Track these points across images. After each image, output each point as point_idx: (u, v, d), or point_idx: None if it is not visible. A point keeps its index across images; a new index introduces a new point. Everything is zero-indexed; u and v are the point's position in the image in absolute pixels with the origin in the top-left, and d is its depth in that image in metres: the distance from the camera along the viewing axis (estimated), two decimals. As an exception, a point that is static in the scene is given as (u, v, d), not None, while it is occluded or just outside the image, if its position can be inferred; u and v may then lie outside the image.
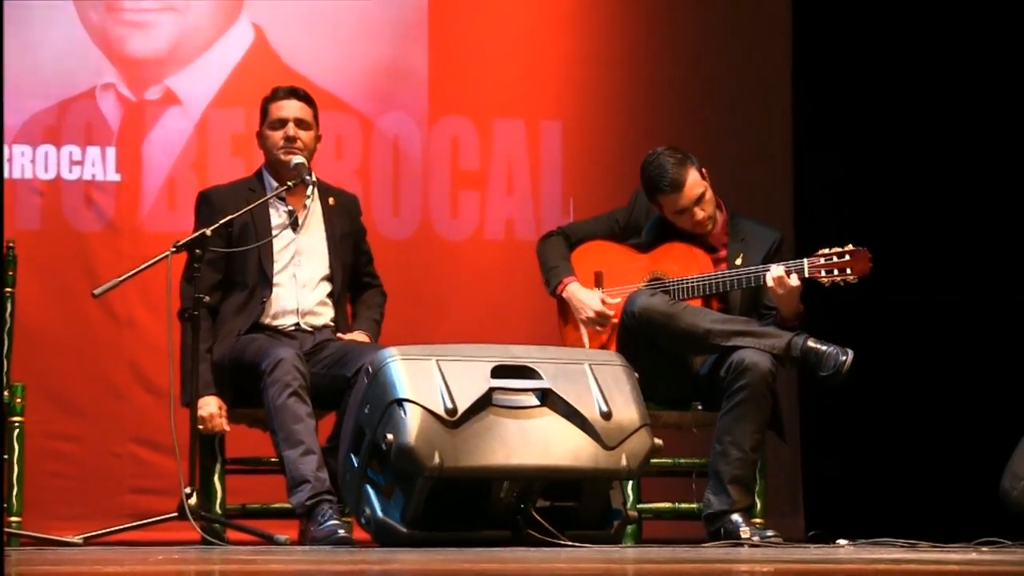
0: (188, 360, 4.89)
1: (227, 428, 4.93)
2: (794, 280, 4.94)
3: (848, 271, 4.96)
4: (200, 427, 4.87)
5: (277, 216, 5.08)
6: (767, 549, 4.59)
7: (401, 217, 6.50)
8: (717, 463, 4.88)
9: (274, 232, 5.03)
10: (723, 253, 5.20)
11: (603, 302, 5.18)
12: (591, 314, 5.18)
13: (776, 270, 4.96)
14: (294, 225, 5.09)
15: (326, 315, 5.10)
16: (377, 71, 6.52)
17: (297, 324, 5.05)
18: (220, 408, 4.92)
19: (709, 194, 5.15)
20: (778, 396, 5.00)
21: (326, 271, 5.11)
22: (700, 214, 5.12)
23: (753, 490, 4.96)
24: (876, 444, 6.55)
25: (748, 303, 5.11)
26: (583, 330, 5.21)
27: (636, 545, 5.03)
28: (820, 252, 5.00)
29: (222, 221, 4.90)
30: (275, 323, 5.04)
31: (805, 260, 5.00)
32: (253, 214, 5.01)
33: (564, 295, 5.24)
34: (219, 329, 4.99)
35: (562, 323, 5.30)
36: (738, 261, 5.14)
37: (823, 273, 4.98)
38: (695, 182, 5.11)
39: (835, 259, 4.97)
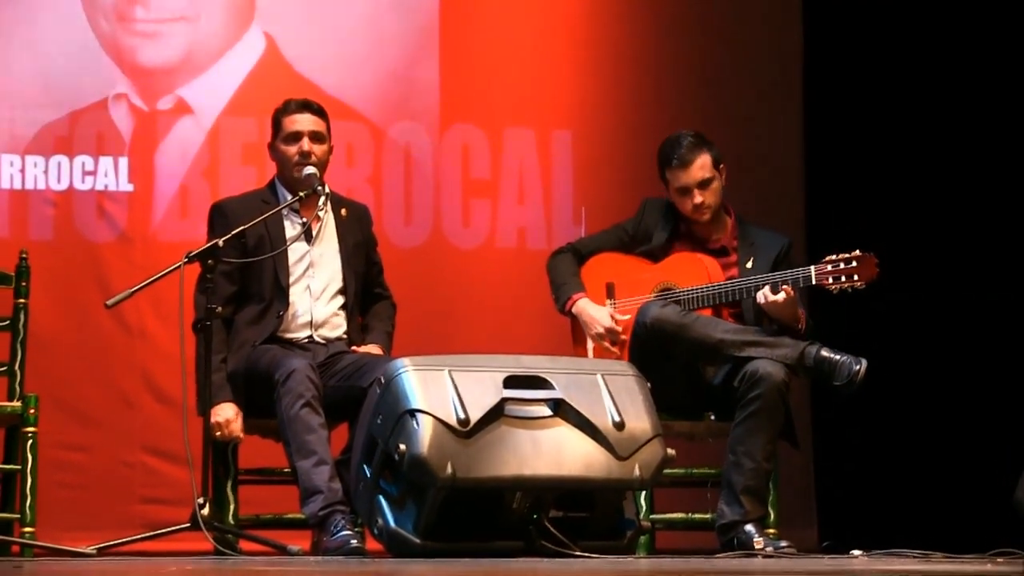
0: (202, 371, 4.88)
1: (242, 436, 4.92)
2: (780, 295, 4.90)
3: (855, 277, 4.92)
4: (216, 434, 4.87)
5: (291, 228, 5.07)
6: (781, 559, 4.58)
7: (412, 225, 6.50)
8: (730, 473, 4.86)
9: (288, 244, 5.02)
10: (733, 258, 5.18)
11: (612, 318, 5.17)
12: (601, 330, 5.16)
13: (759, 294, 4.94)
14: (308, 236, 5.08)
15: (339, 328, 5.08)
16: (388, 80, 6.53)
17: (310, 336, 5.04)
18: (236, 414, 4.91)
19: (716, 185, 5.14)
20: (790, 405, 4.98)
21: (340, 283, 5.10)
22: (700, 198, 5.11)
23: (766, 500, 4.94)
24: (889, 454, 6.54)
25: (760, 310, 5.08)
26: (590, 345, 5.19)
27: (649, 556, 5.02)
28: (827, 259, 4.97)
29: (235, 232, 4.90)
30: (288, 335, 5.03)
31: (812, 268, 4.98)
32: (267, 226, 5.00)
33: (574, 311, 5.21)
34: (233, 340, 4.98)
35: (574, 343, 5.26)
36: (748, 264, 5.13)
37: (830, 280, 4.94)
38: (704, 164, 5.12)
39: (842, 265, 4.94)
